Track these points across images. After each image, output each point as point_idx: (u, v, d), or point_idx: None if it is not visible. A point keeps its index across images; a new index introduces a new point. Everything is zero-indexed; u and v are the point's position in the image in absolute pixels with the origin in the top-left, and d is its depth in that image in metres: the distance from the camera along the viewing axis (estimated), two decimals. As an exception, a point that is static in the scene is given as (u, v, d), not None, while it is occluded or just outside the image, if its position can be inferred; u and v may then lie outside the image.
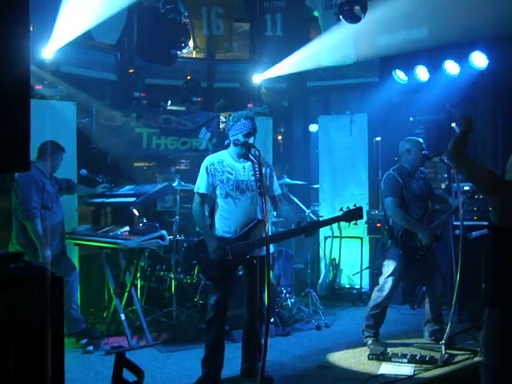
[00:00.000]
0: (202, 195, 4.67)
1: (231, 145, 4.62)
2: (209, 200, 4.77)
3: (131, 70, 8.33)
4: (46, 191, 5.71)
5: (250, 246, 4.53)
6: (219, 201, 4.65)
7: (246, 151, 4.50)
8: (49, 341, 2.08)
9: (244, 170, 4.61)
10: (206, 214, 4.78)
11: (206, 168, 4.63)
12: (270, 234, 4.44)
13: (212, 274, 4.58)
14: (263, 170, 4.51)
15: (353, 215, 4.72)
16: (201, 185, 4.66)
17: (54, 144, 5.89)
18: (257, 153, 4.08)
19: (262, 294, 4.43)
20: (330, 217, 4.98)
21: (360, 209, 4.75)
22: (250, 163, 4.57)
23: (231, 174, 4.59)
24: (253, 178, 4.52)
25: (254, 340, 4.73)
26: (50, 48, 6.84)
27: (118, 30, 8.03)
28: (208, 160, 4.70)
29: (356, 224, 4.83)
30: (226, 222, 4.62)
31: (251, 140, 4.48)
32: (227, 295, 4.64)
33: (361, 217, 4.76)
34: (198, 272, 6.06)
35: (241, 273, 5.03)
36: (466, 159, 3.27)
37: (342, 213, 4.77)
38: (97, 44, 8.16)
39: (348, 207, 4.72)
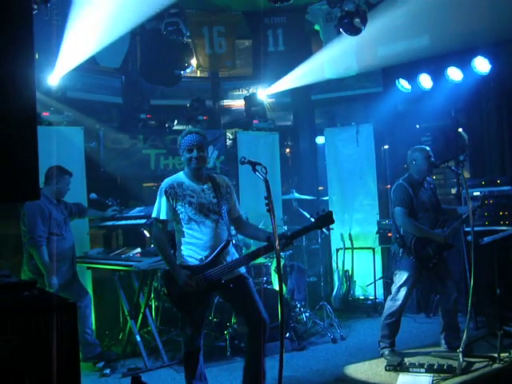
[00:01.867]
0: (162, 222, 4.28)
1: (184, 165, 4.37)
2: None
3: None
4: (52, 218, 5.72)
5: (225, 271, 4.19)
6: (181, 227, 4.28)
7: (196, 168, 4.26)
8: (65, 367, 2.09)
9: (204, 193, 4.30)
10: None
11: (166, 192, 4.26)
12: (237, 256, 4.38)
13: (186, 306, 4.21)
14: (227, 190, 4.38)
15: (324, 221, 4.25)
16: (161, 210, 4.25)
17: (58, 168, 5.91)
18: (264, 170, 3.75)
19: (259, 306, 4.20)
20: (301, 227, 4.56)
21: (330, 213, 4.24)
22: (209, 184, 4.33)
23: (192, 197, 4.26)
24: (215, 201, 4.26)
25: (257, 363, 4.18)
26: (56, 75, 6.92)
27: (121, 53, 8.11)
28: (166, 183, 4.33)
29: (329, 229, 4.44)
30: (191, 248, 4.25)
31: (195, 154, 4.22)
32: (203, 323, 4.33)
33: (332, 221, 4.26)
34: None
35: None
36: None
37: (313, 221, 4.30)
38: (101, 68, 8.25)
39: (317, 213, 4.28)
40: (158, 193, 4.32)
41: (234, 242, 5.74)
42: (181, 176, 4.38)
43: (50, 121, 6.82)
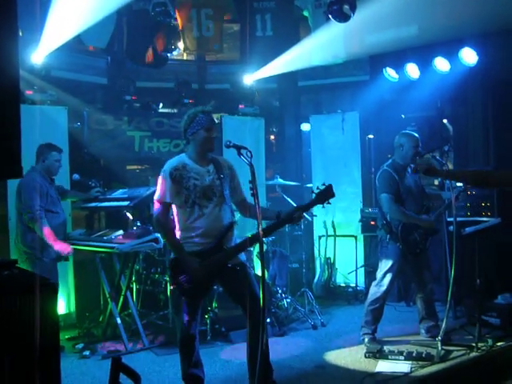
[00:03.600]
0: (167, 205, 4.18)
1: (190, 144, 4.24)
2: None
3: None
4: (48, 195, 5.76)
5: (230, 254, 4.15)
6: (183, 210, 4.17)
7: (211, 148, 4.18)
8: (45, 348, 2.08)
9: (209, 174, 4.21)
10: None
11: (171, 174, 4.13)
12: (238, 239, 4.31)
13: (193, 293, 4.10)
14: (230, 172, 4.31)
15: (325, 195, 4.18)
16: (166, 193, 4.13)
17: (45, 145, 5.90)
18: (249, 154, 3.67)
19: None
20: (306, 203, 4.46)
21: (329, 187, 4.18)
22: (212, 166, 4.24)
23: (197, 179, 4.16)
24: (218, 182, 4.17)
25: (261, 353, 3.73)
26: (40, 53, 6.82)
27: (107, 33, 8.02)
28: (170, 165, 4.21)
29: (329, 203, 4.36)
30: (194, 232, 4.16)
31: (213, 134, 4.15)
32: (199, 311, 4.29)
33: (332, 195, 4.19)
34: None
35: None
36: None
37: (314, 196, 4.23)
38: (87, 48, 8.14)
39: (318, 187, 4.19)
40: (162, 175, 4.18)
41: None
42: (184, 158, 4.26)
43: (33, 99, 6.72)
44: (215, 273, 4.13)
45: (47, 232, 5.57)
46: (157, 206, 4.19)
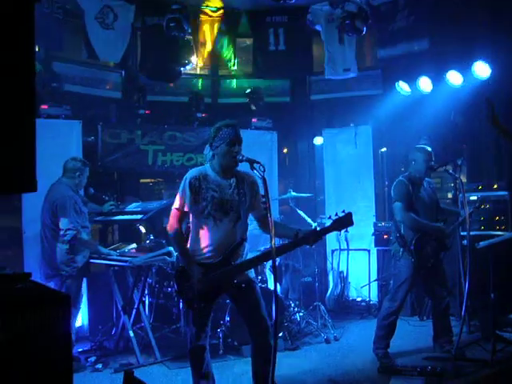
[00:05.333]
0: (183, 213, 4.17)
1: (214, 158, 4.18)
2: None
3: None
4: (82, 211, 5.81)
5: (237, 271, 4.10)
6: (198, 221, 4.15)
7: (236, 162, 4.09)
8: (57, 361, 2.08)
9: (230, 188, 4.16)
10: None
11: (190, 183, 4.11)
12: (249, 255, 4.26)
13: (197, 304, 4.09)
14: (252, 187, 4.24)
15: (344, 223, 4.04)
16: (184, 201, 4.14)
17: (81, 160, 5.94)
18: (262, 168, 3.63)
19: (265, 315, 4.12)
20: (322, 228, 4.37)
21: (349, 215, 4.03)
22: (234, 180, 4.18)
23: (216, 191, 4.12)
24: (237, 198, 4.13)
25: (266, 370, 3.72)
26: (55, 67, 6.90)
27: (121, 48, 8.09)
28: (191, 174, 4.19)
29: (347, 231, 4.27)
30: (205, 245, 4.14)
31: (236, 149, 4.07)
32: (209, 322, 4.23)
33: (351, 223, 4.05)
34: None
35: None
36: None
37: (332, 222, 4.08)
38: (101, 62, 8.21)
39: (336, 214, 4.09)
40: (182, 183, 4.17)
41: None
42: (207, 169, 4.22)
43: (48, 113, 6.80)
44: (219, 287, 4.11)
45: (91, 241, 5.87)
46: (174, 212, 4.19)
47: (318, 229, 4.12)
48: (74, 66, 7.87)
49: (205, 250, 4.14)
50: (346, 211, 4.10)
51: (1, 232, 6.65)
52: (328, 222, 4.12)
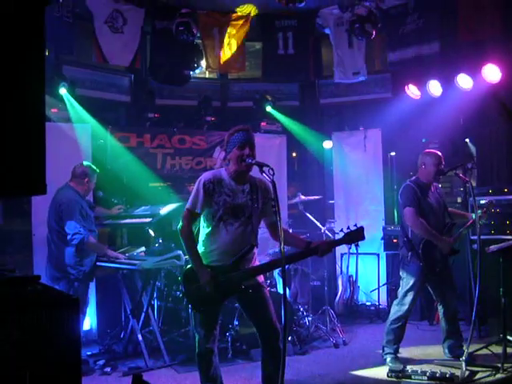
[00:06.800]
0: (196, 215, 4.16)
1: (229, 163, 4.17)
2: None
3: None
4: (88, 215, 5.84)
5: (246, 276, 4.09)
6: (209, 224, 4.16)
7: (248, 165, 4.07)
8: (66, 363, 2.08)
9: (243, 194, 4.16)
10: None
11: (204, 185, 4.10)
12: (258, 263, 4.26)
13: (203, 306, 4.09)
14: (265, 194, 4.22)
15: (353, 237, 4.17)
16: (197, 203, 4.11)
17: (90, 167, 5.95)
18: (271, 172, 3.59)
19: (274, 318, 4.11)
20: (331, 240, 4.43)
21: (361, 230, 4.13)
22: (248, 186, 4.18)
23: (229, 196, 4.12)
24: (250, 203, 4.13)
25: (276, 374, 3.65)
26: (65, 71, 6.93)
27: (131, 51, 8.11)
28: (205, 176, 4.18)
29: (357, 246, 4.37)
30: (215, 248, 4.14)
31: (246, 152, 4.03)
32: (217, 326, 4.23)
33: (362, 238, 4.15)
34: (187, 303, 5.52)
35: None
36: None
37: (344, 235, 4.21)
38: (111, 66, 8.24)
39: (348, 227, 4.21)
40: (196, 184, 4.15)
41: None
42: (222, 172, 4.21)
43: (58, 117, 6.83)
44: (226, 291, 4.09)
45: (99, 245, 5.88)
46: (186, 213, 4.17)
47: (328, 240, 4.15)
48: (84, 70, 7.89)
49: (214, 253, 4.13)
50: (358, 225, 4.18)
51: (11, 235, 6.67)
52: (337, 234, 4.18)
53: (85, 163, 5.97)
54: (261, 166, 3.79)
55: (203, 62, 8.84)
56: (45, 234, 5.94)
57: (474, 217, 5.67)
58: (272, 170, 3.66)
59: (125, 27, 7.92)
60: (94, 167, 6.01)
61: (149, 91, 8.46)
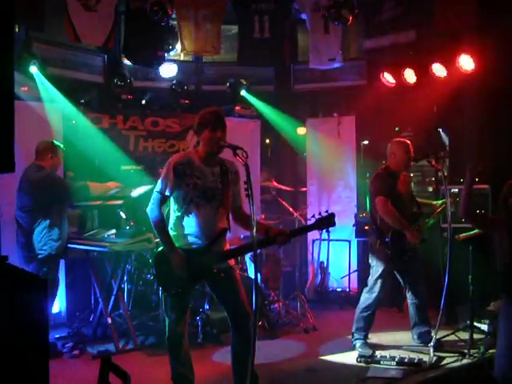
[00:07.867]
0: (165, 198, 4.10)
1: (199, 144, 4.14)
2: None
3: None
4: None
5: (218, 259, 4.07)
6: (179, 207, 4.11)
7: (218, 148, 4.05)
8: (33, 346, 2.04)
9: (213, 176, 4.12)
10: None
11: (174, 167, 4.03)
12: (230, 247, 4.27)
13: (174, 290, 4.06)
14: (234, 177, 4.21)
15: (324, 223, 4.19)
16: (167, 185, 4.05)
17: (52, 142, 5.86)
18: (244, 154, 3.61)
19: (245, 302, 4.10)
20: (302, 226, 4.53)
21: (332, 216, 4.17)
22: (218, 168, 4.14)
23: (199, 178, 4.06)
24: (220, 186, 4.10)
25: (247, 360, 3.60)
26: (36, 49, 6.78)
27: (104, 31, 7.95)
28: (175, 159, 4.13)
29: (328, 231, 4.47)
30: (186, 231, 4.10)
31: (218, 134, 4.00)
32: (188, 309, 4.26)
33: (332, 224, 4.19)
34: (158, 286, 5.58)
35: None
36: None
37: (315, 221, 4.26)
38: (83, 46, 8.08)
39: (320, 213, 4.23)
40: (166, 167, 4.09)
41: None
42: (192, 154, 4.17)
43: (28, 96, 6.68)
44: (198, 274, 4.07)
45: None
46: (155, 196, 4.10)
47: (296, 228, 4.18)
48: (56, 49, 7.72)
49: (186, 236, 4.11)
50: (330, 212, 4.22)
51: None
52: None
53: (46, 140, 5.88)
54: (234, 148, 3.75)
55: (178, 44, 8.72)
56: (12, 214, 5.84)
57: (438, 203, 5.75)
58: (245, 152, 3.64)
59: (98, 5, 7.73)
60: (58, 143, 5.93)
61: (122, 72, 8.33)
